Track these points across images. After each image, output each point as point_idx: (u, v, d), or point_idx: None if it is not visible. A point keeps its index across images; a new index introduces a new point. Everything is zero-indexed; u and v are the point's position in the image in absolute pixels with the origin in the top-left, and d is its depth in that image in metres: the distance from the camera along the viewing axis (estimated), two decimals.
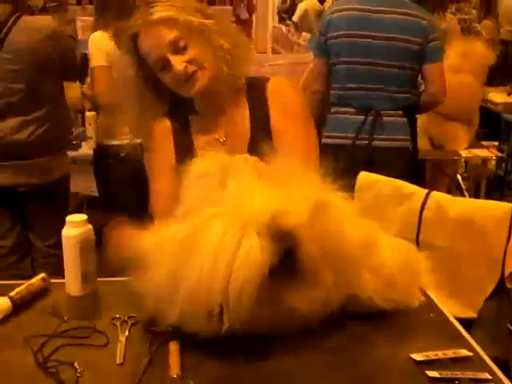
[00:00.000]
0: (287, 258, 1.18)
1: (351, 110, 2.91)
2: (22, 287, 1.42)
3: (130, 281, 1.24)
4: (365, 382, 1.15)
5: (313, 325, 1.23)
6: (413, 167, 2.96)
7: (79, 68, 2.91)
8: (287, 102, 1.67)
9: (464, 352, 1.22)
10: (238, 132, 1.68)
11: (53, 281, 1.49)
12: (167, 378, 1.13)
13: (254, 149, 1.63)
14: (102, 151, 3.23)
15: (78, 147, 3.82)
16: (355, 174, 2.39)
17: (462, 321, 1.38)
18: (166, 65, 1.58)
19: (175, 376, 1.14)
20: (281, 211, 1.17)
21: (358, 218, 1.35)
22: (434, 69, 2.92)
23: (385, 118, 2.88)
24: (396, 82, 2.87)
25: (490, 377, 1.14)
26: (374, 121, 2.87)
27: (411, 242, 2.26)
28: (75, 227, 1.41)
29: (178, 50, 1.57)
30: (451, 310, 2.19)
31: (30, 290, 1.42)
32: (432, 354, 1.21)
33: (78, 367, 1.17)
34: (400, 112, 2.89)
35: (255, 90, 1.69)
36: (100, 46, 3.01)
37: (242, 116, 1.68)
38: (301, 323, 1.22)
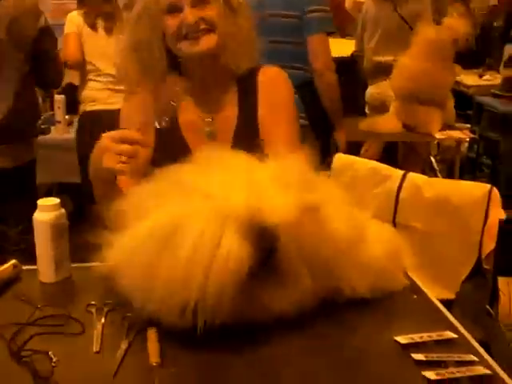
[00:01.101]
0: (266, 256, 1.15)
1: None
2: None
3: (104, 268, 1.20)
4: (349, 367, 1.12)
5: (291, 318, 1.20)
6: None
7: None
8: (276, 96, 1.65)
9: (449, 334, 1.20)
10: (224, 117, 1.65)
11: (25, 267, 1.44)
12: (147, 366, 1.10)
13: (239, 137, 1.61)
14: (85, 118, 3.54)
15: (47, 132, 3.74)
16: None
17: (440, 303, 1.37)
18: (177, 11, 1.53)
19: (154, 364, 1.10)
20: (263, 208, 1.13)
21: (346, 209, 1.33)
22: (315, 41, 2.93)
23: None
24: (288, 58, 2.85)
25: (475, 358, 1.12)
26: None
27: (388, 223, 2.28)
28: (47, 211, 1.36)
29: (198, 2, 1.52)
30: (433, 292, 2.21)
31: (1, 277, 1.37)
32: (417, 337, 1.19)
33: (53, 356, 1.12)
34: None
35: (246, 78, 1.66)
36: (72, 19, 3.65)
37: (231, 101, 1.65)
38: (278, 318, 1.19)
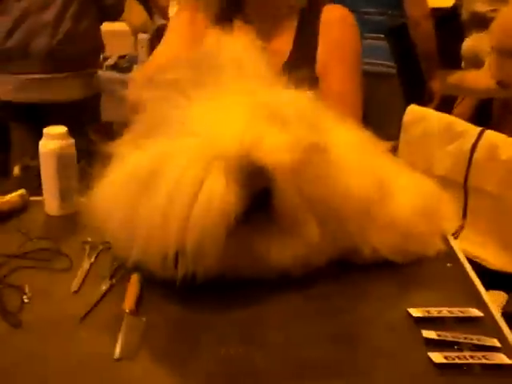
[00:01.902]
0: (261, 200, 1.00)
1: None
2: None
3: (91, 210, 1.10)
4: (346, 337, 0.96)
5: (294, 275, 1.06)
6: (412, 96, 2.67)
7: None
8: (339, 38, 1.50)
9: (474, 312, 1.01)
10: (276, 50, 1.50)
11: (35, 198, 1.38)
12: (119, 313, 0.99)
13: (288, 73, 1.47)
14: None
15: (127, 70, 3.71)
16: None
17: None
18: None
19: (127, 311, 1.00)
20: (257, 145, 0.98)
21: (368, 158, 1.15)
22: None
23: (364, 42, 2.65)
24: (378, 3, 2.66)
25: (498, 344, 0.93)
26: None
27: (459, 186, 2.05)
28: (53, 139, 1.28)
29: None
30: (498, 262, 1.97)
31: (5, 206, 1.31)
32: (435, 311, 1.01)
33: (27, 292, 1.05)
34: (381, 36, 2.65)
35: (308, 14, 1.53)
36: None
37: (287, 35, 1.53)
38: (279, 273, 1.05)
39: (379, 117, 2.59)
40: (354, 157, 1.14)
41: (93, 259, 1.15)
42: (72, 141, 1.29)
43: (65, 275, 1.11)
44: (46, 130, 1.28)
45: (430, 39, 2.83)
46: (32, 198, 1.37)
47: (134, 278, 1.07)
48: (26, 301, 1.03)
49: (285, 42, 1.50)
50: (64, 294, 1.06)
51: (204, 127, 1.01)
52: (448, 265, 1.16)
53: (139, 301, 1.03)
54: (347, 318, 1.01)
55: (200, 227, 0.96)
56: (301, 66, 1.45)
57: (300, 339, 0.96)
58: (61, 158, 1.28)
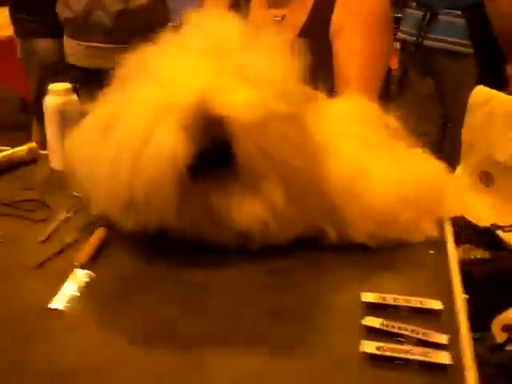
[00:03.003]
0: (221, 154, 0.96)
1: (414, 4, 2.57)
2: (2, 154, 1.36)
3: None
4: (287, 310, 0.91)
5: (256, 244, 1.02)
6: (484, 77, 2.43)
7: None
8: (356, 4, 1.40)
9: (435, 304, 0.91)
10: (295, 16, 1.43)
11: (44, 152, 1.41)
12: (70, 265, 1.00)
13: (303, 37, 1.40)
14: None
15: None
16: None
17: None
18: None
19: (75, 263, 1.00)
20: (217, 96, 0.93)
21: (364, 139, 1.10)
22: None
23: (441, 17, 2.45)
24: None
25: (445, 342, 0.84)
26: (429, 19, 2.47)
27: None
28: (57, 95, 1.30)
29: None
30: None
31: (11, 158, 1.35)
32: (391, 298, 0.92)
33: None
34: (458, 12, 2.42)
35: None
36: None
37: (306, 2, 1.43)
38: (240, 238, 1.01)
39: (452, 96, 2.43)
40: (337, 137, 1.08)
41: (71, 213, 1.17)
42: (76, 98, 1.31)
43: (41, 226, 1.13)
44: (50, 87, 1.30)
45: (507, 17, 2.57)
46: (43, 152, 1.41)
47: (98, 233, 1.07)
48: None
49: (304, 7, 1.43)
50: (30, 243, 1.08)
51: (167, 77, 0.98)
52: (430, 252, 1.06)
53: (97, 255, 1.04)
54: (295, 294, 0.96)
55: (147, 176, 0.93)
56: (316, 31, 1.38)
57: (239, 309, 0.92)
58: (64, 114, 1.30)
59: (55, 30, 2.70)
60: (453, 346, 0.83)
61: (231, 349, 0.84)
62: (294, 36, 1.41)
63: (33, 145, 1.39)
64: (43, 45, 2.75)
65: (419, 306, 0.91)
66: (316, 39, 1.38)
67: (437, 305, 0.91)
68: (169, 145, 0.92)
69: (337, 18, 1.38)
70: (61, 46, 2.71)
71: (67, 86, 1.30)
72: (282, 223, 1.01)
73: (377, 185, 1.05)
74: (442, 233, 1.11)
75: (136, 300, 0.94)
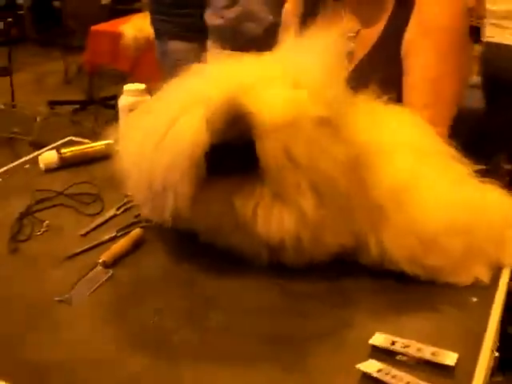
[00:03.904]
0: (240, 150, 0.93)
1: None
2: (80, 147, 1.42)
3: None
4: (283, 340, 0.86)
5: (285, 260, 0.98)
6: None
7: None
8: (433, 14, 1.28)
9: (449, 358, 0.81)
10: (368, 33, 1.37)
11: None
12: (95, 262, 1.02)
13: (374, 56, 1.33)
14: None
15: None
16: None
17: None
18: None
19: (100, 261, 1.02)
20: (248, 94, 0.91)
21: (420, 159, 1.02)
22: None
23: None
24: None
25: None
26: None
27: None
28: (131, 96, 1.34)
29: None
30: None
31: (87, 152, 1.41)
32: (401, 344, 0.84)
33: (44, 227, 1.13)
34: None
35: None
36: None
37: (382, 17, 1.36)
38: (268, 250, 0.97)
39: None
40: (394, 147, 1.01)
41: (120, 211, 1.19)
42: (149, 97, 1.34)
43: (88, 220, 1.16)
44: (125, 87, 1.34)
45: None
46: None
47: (132, 234, 1.09)
48: (36, 233, 1.12)
49: (379, 25, 1.34)
50: (71, 235, 1.11)
51: (211, 75, 0.99)
52: (473, 299, 0.95)
53: (124, 255, 1.05)
54: (304, 323, 0.90)
55: (165, 161, 0.94)
56: (388, 47, 1.30)
57: (239, 328, 0.89)
58: None
59: (190, 33, 2.81)
60: None
61: (215, 367, 0.81)
62: (366, 51, 1.35)
63: (110, 141, 1.44)
64: (175, 47, 2.86)
65: (430, 357, 0.82)
66: (387, 56, 1.32)
67: (450, 360, 0.81)
68: (188, 133, 0.92)
69: (410, 35, 1.29)
70: (195, 50, 2.81)
71: (141, 86, 1.34)
72: (317, 237, 0.96)
73: (426, 201, 0.97)
74: (496, 281, 1.00)
75: (143, 305, 0.94)
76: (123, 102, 1.34)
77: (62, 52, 5.36)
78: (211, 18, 2.65)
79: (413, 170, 0.99)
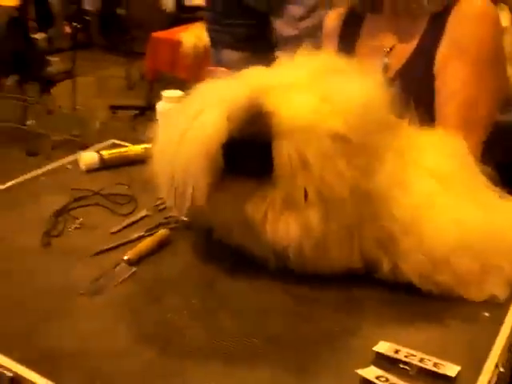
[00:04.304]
0: (257, 148, 0.96)
1: None
2: (119, 150, 1.49)
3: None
4: (288, 342, 0.89)
5: (290, 266, 1.00)
6: None
7: None
8: (467, 34, 1.27)
9: (451, 370, 0.82)
10: (402, 48, 1.38)
11: None
12: (120, 258, 1.07)
13: (405, 72, 1.35)
14: None
15: None
16: None
17: None
18: None
19: (125, 258, 1.06)
20: (273, 96, 0.96)
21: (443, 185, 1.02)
22: None
23: None
24: None
25: None
26: None
27: None
28: (169, 102, 1.39)
29: None
30: None
31: (126, 155, 1.47)
32: (405, 353, 0.85)
33: (77, 224, 1.19)
34: None
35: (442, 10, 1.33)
36: None
37: (416, 33, 1.36)
38: (275, 254, 1.00)
39: None
40: (413, 169, 1.02)
41: (151, 212, 1.24)
42: None
43: (120, 219, 1.22)
44: (163, 93, 1.40)
45: None
46: None
47: (159, 234, 1.13)
48: (69, 230, 1.18)
49: (413, 41, 1.34)
50: (102, 233, 1.17)
51: (243, 78, 1.03)
52: (485, 314, 0.95)
53: (149, 254, 1.09)
54: (311, 327, 0.93)
55: (186, 153, 0.98)
56: (420, 64, 1.30)
57: (248, 328, 0.92)
58: None
59: (242, 43, 2.86)
60: None
61: (220, 364, 0.85)
62: (399, 67, 1.36)
63: (149, 145, 1.50)
64: (228, 56, 2.93)
65: (431, 368, 0.82)
66: (419, 72, 1.32)
67: (452, 371, 0.82)
68: (208, 126, 0.96)
69: (442, 54, 1.29)
70: (247, 60, 2.86)
71: (179, 93, 1.39)
72: (321, 250, 0.98)
73: (439, 221, 0.97)
74: (510, 298, 0.99)
75: (159, 302, 0.98)
76: (161, 107, 1.40)
77: (125, 58, 5.54)
78: (284, 29, 2.68)
79: (429, 196, 1.00)
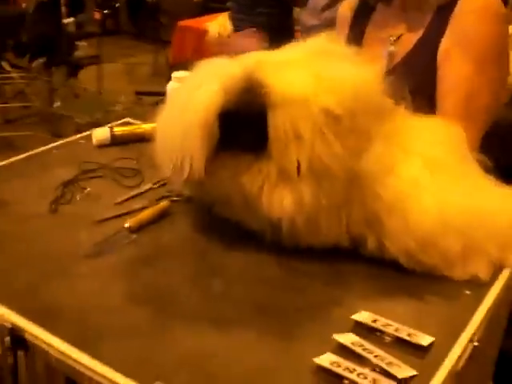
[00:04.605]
0: (252, 118, 0.99)
1: None
2: (130, 127, 1.54)
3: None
4: (272, 307, 0.94)
5: (283, 239, 1.05)
6: None
7: None
8: (470, 28, 1.30)
9: (423, 339, 0.85)
10: (407, 38, 1.41)
11: None
12: (122, 227, 1.12)
13: (409, 62, 1.37)
14: None
15: None
16: None
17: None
18: None
19: (126, 226, 1.12)
20: (268, 70, 1.00)
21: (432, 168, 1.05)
22: None
23: None
24: None
25: (403, 377, 0.79)
26: None
27: None
28: (179, 82, 1.44)
29: None
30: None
31: (137, 132, 1.52)
32: (383, 323, 0.89)
33: (84, 193, 1.25)
34: None
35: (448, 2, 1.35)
36: None
37: (422, 24, 1.39)
38: (270, 227, 1.04)
39: None
40: (403, 153, 1.06)
41: (156, 185, 1.29)
42: None
43: (126, 191, 1.27)
44: (173, 74, 1.45)
45: None
46: None
47: (160, 205, 1.18)
48: (78, 198, 1.24)
49: (419, 29, 1.37)
50: (107, 203, 1.22)
51: (244, 58, 1.08)
52: (466, 292, 0.98)
53: (149, 223, 1.14)
54: (297, 296, 0.97)
55: (184, 124, 1.02)
56: (424, 53, 1.33)
57: (238, 296, 0.96)
58: None
59: (263, 31, 2.90)
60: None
61: (206, 325, 0.90)
62: (403, 55, 1.39)
63: None
64: (247, 43, 2.97)
65: (405, 337, 0.86)
66: (422, 61, 1.35)
67: (425, 341, 0.85)
68: (204, 97, 1.01)
69: (445, 44, 1.31)
70: (268, 48, 2.90)
71: (188, 73, 1.43)
72: (312, 225, 1.02)
73: (423, 202, 1.01)
74: (495, 279, 1.02)
75: (155, 266, 1.03)
76: (171, 87, 1.45)
77: (152, 45, 5.61)
78: (307, 18, 2.72)
79: (415, 178, 1.03)
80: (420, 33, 1.37)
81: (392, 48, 1.42)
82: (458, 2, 1.32)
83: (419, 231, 0.99)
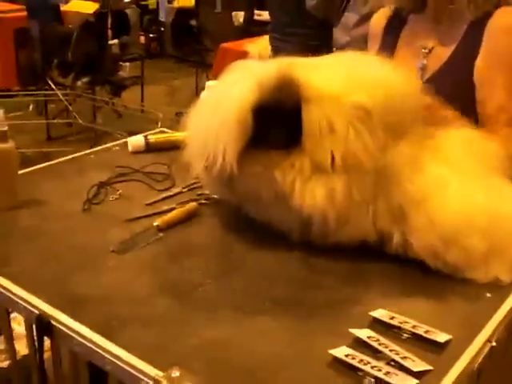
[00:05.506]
0: (287, 113, 1.02)
1: None
2: (164, 135, 1.59)
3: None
4: (287, 300, 0.95)
5: (312, 237, 1.06)
6: None
7: None
8: (502, 47, 1.32)
9: (440, 336, 0.85)
10: (441, 49, 1.42)
11: None
12: (151, 225, 1.16)
13: (442, 76, 1.39)
14: None
15: None
16: None
17: None
18: None
19: (154, 224, 1.15)
20: (302, 70, 1.04)
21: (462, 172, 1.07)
22: None
23: None
24: None
25: (420, 369, 0.79)
26: None
27: None
28: None
29: None
30: None
31: (170, 140, 1.56)
32: (400, 320, 0.89)
33: (117, 194, 1.29)
34: None
35: (481, 18, 1.37)
36: None
37: (455, 38, 1.41)
38: (300, 225, 1.06)
39: None
40: (431, 155, 1.07)
41: (186, 189, 1.33)
42: None
43: (156, 194, 1.31)
44: (207, 84, 1.49)
45: None
46: None
47: (188, 207, 1.22)
48: (110, 199, 1.28)
49: (452, 42, 1.37)
50: (138, 204, 1.26)
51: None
52: (487, 294, 0.98)
53: (176, 223, 1.17)
54: (318, 292, 0.98)
55: (219, 118, 1.05)
56: (459, 65, 1.34)
57: (257, 290, 0.98)
58: None
59: (304, 51, 2.94)
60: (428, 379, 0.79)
61: (224, 316, 0.92)
62: (436, 69, 1.40)
63: None
64: None
65: (422, 333, 0.86)
66: (455, 76, 1.36)
67: (441, 338, 0.86)
68: (239, 92, 1.04)
69: (482, 63, 1.32)
70: None
71: None
72: (342, 221, 1.04)
73: (448, 201, 1.02)
74: None
75: (179, 263, 1.06)
76: (204, 96, 1.49)
77: (195, 68, 5.72)
78: (340, 36, 2.75)
79: (441, 178, 1.04)
80: (452, 47, 1.38)
81: (425, 61, 1.44)
82: (489, 21, 1.33)
83: (443, 228, 1.00)
